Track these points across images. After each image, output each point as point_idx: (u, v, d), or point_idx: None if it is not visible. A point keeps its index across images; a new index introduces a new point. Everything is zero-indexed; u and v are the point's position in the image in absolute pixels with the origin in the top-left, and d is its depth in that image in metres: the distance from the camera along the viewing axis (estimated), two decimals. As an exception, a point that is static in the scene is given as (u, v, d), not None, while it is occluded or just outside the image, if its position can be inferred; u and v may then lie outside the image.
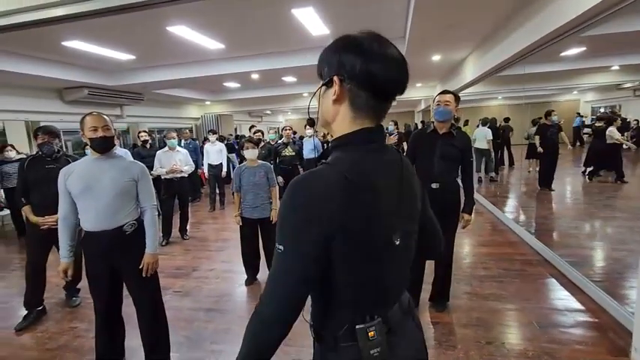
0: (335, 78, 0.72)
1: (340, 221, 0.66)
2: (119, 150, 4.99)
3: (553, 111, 6.46)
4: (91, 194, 1.83)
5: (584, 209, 5.76)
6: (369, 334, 0.73)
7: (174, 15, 3.93)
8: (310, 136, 5.88)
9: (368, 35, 0.73)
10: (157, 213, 2.08)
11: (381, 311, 0.76)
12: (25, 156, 4.09)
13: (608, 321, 2.43)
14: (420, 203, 0.87)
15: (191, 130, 11.23)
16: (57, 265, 3.00)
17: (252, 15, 4.15)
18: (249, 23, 4.45)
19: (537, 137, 6.18)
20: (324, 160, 0.73)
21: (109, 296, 1.98)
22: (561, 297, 2.83)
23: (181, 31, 4.47)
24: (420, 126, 13.89)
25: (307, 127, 5.86)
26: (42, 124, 6.56)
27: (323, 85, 0.77)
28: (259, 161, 3.30)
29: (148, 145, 6.07)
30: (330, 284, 0.73)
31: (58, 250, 2.90)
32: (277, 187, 3.39)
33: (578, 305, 2.68)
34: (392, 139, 7.36)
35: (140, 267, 1.96)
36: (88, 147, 5.59)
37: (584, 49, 6.35)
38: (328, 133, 0.90)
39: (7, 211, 5.51)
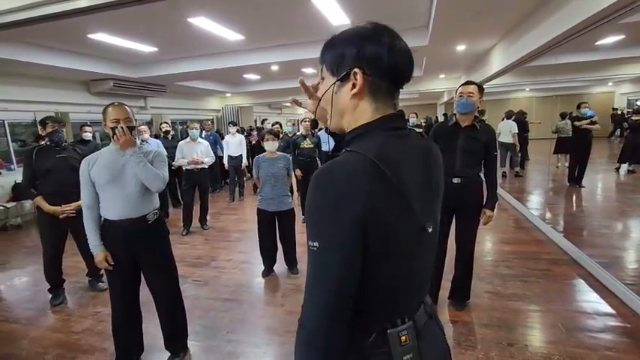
0: (357, 70, 0.69)
1: (372, 209, 0.61)
2: (151, 140, 5.12)
3: (584, 103, 6.12)
4: (116, 184, 1.86)
5: (617, 207, 5.45)
6: (402, 338, 0.69)
7: (195, 6, 3.94)
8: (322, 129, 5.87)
9: (377, 26, 0.71)
10: (164, 186, 2.00)
11: (410, 313, 0.72)
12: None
13: (642, 327, 2.30)
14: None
15: (212, 122, 11.39)
16: (76, 250, 3.16)
17: (272, 5, 4.10)
18: (269, 13, 4.41)
19: (575, 124, 5.84)
20: (346, 149, 0.68)
21: (129, 285, 2.02)
22: (590, 299, 2.70)
23: (202, 22, 4.48)
24: (441, 119, 13.54)
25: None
26: (70, 115, 6.90)
27: (338, 79, 0.72)
28: (279, 153, 3.29)
29: (169, 136, 6.19)
30: (364, 282, 0.65)
31: (73, 234, 3.05)
32: (293, 176, 3.40)
33: (608, 309, 2.54)
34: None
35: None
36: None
37: (622, 37, 5.94)
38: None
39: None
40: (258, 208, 3.26)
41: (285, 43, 6.01)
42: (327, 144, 5.64)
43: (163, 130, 6.19)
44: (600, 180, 6.99)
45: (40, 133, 3.41)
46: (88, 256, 3.20)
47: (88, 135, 4.79)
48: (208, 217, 5.11)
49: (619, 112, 7.67)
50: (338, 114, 0.75)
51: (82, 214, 3.03)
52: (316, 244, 0.63)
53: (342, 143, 0.76)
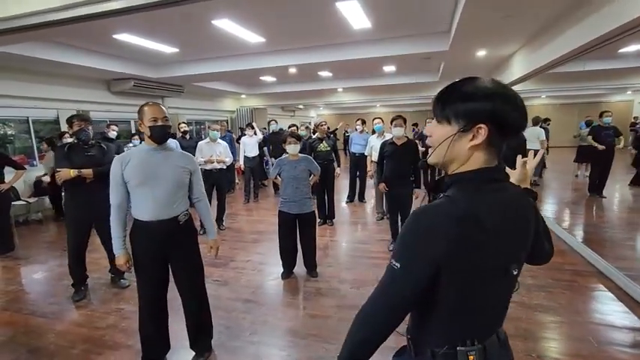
0: (482, 125, 0.74)
1: (453, 255, 0.71)
2: (170, 141, 5.19)
3: (607, 112, 5.99)
4: (150, 185, 1.86)
5: (640, 219, 5.32)
6: (469, 357, 0.77)
7: (221, 8, 3.98)
8: (361, 132, 5.96)
9: (504, 85, 0.77)
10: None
11: (481, 338, 0.80)
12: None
13: (677, 343, 2.22)
14: (533, 227, 0.87)
15: (227, 123, 11.48)
16: (100, 247, 3.21)
17: (296, 8, 4.13)
18: (292, 16, 4.44)
19: (590, 138, 5.76)
20: (444, 194, 0.78)
21: (159, 284, 2.03)
22: (619, 312, 2.62)
23: (225, 24, 4.53)
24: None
25: (358, 121, 6.07)
26: (91, 113, 7.04)
27: (461, 130, 0.76)
28: (300, 155, 3.30)
29: (187, 137, 6.26)
30: (438, 304, 0.76)
31: (98, 229, 3.11)
32: (318, 173, 3.45)
33: (638, 323, 2.47)
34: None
35: (209, 254, 2.10)
36: (135, 137, 5.81)
37: (646, 45, 5.83)
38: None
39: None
40: (279, 211, 3.26)
41: (304, 46, 6.04)
42: (359, 145, 5.73)
43: (182, 130, 6.26)
44: (620, 190, 6.83)
45: (66, 130, 3.48)
46: (110, 252, 3.25)
47: (113, 133, 4.89)
48: (225, 218, 5.14)
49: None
50: (451, 158, 0.80)
51: (103, 204, 3.12)
52: (398, 264, 0.75)
53: (440, 182, 0.85)
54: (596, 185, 5.96)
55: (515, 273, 0.79)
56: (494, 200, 0.76)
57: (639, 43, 5.80)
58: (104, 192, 3.12)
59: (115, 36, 4.87)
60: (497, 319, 0.85)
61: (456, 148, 0.78)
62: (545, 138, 6.48)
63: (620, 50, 6.62)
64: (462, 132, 0.76)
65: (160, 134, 1.89)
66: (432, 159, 0.84)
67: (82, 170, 2.91)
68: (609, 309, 2.69)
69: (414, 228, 0.74)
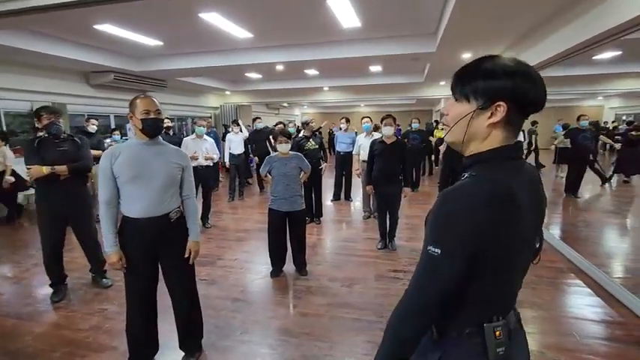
0: (501, 103, 0.74)
1: (491, 230, 0.70)
2: None
3: (584, 115, 6.25)
4: (142, 180, 1.79)
5: (615, 216, 5.58)
6: (496, 333, 0.77)
7: (210, 1, 3.89)
8: (345, 130, 5.93)
9: (525, 63, 0.76)
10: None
11: (504, 314, 0.81)
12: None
13: (653, 336, 2.34)
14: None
15: (211, 120, 11.27)
16: (78, 246, 3.08)
17: (288, 4, 4.08)
18: (283, 13, 4.39)
19: (568, 141, 6.00)
20: (470, 173, 0.77)
21: (149, 282, 1.96)
22: (597, 307, 2.74)
23: (213, 18, 4.43)
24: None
25: (342, 120, 5.97)
26: (68, 107, 6.75)
27: (480, 108, 0.77)
28: (291, 152, 3.27)
29: (170, 132, 6.10)
30: (465, 285, 0.75)
31: (74, 226, 2.98)
32: (309, 171, 3.41)
33: (617, 317, 2.58)
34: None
35: (186, 256, 1.97)
36: (116, 132, 5.61)
37: (619, 53, 6.11)
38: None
39: (32, 190, 5.59)
40: (269, 209, 3.22)
41: (292, 44, 6.00)
42: (344, 144, 5.73)
43: (165, 125, 6.09)
44: (596, 189, 7.14)
45: (36, 125, 3.28)
46: (90, 251, 3.12)
47: (93, 127, 4.70)
48: (210, 216, 5.04)
49: (611, 128, 7.91)
50: (469, 136, 0.80)
51: (83, 204, 2.99)
52: (437, 250, 0.72)
53: (459, 164, 0.85)
54: (572, 186, 6.20)
55: (537, 246, 0.82)
56: (519, 176, 0.77)
57: (613, 50, 6.07)
58: (80, 188, 3.02)
59: (96, 26, 4.67)
60: (516, 295, 0.86)
61: (474, 126, 0.78)
62: (526, 139, 6.71)
63: (594, 57, 6.91)
64: (481, 109, 0.76)
65: (153, 127, 1.82)
66: (449, 137, 0.84)
67: (55, 167, 2.74)
68: (588, 304, 2.80)
69: (450, 209, 0.72)
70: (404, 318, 0.78)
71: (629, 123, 7.91)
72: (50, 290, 2.96)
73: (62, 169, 2.77)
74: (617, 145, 6.29)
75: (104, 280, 3.14)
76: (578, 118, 6.21)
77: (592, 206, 6.30)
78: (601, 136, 6.11)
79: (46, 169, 2.71)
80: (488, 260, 0.72)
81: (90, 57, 5.82)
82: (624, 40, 3.21)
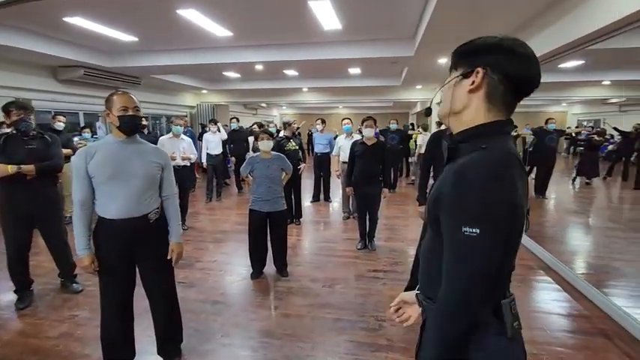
0: (479, 69, 0.78)
1: (520, 200, 0.70)
2: None
3: (552, 119, 6.60)
4: (119, 180, 1.72)
5: (579, 217, 5.92)
6: (511, 308, 0.78)
7: (189, -3, 3.81)
8: (321, 131, 5.92)
9: (513, 38, 0.79)
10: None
11: (508, 288, 0.82)
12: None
13: (614, 328, 2.49)
14: None
15: (187, 119, 10.99)
16: (46, 249, 2.92)
17: (269, 4, 4.05)
18: (264, 12, 4.35)
19: (534, 139, 6.32)
20: (482, 146, 0.75)
21: (125, 284, 1.88)
22: (564, 302, 2.89)
23: (191, 15, 4.33)
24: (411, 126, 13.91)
25: (318, 121, 5.93)
26: (33, 102, 6.38)
27: (461, 75, 0.81)
28: (273, 152, 3.25)
29: (145, 131, 5.91)
30: None
31: (40, 227, 2.84)
32: (291, 172, 3.39)
33: (583, 311, 2.73)
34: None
35: (169, 257, 1.93)
36: (86, 129, 5.36)
37: (583, 62, 6.47)
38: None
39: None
40: (250, 209, 3.18)
41: (272, 44, 5.95)
42: (322, 145, 5.72)
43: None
44: (561, 191, 7.54)
45: (4, 120, 3.08)
46: (59, 254, 2.97)
47: (60, 125, 4.47)
48: (187, 217, 4.92)
49: (573, 134, 8.41)
50: (452, 105, 0.84)
51: (51, 205, 2.83)
52: (475, 230, 0.68)
53: (456, 140, 0.84)
54: (541, 187, 6.51)
55: (528, 217, 0.82)
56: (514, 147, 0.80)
57: (579, 59, 6.43)
58: (49, 189, 2.86)
59: (66, 19, 4.46)
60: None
61: (457, 94, 0.82)
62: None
63: (560, 65, 7.31)
64: (463, 77, 0.81)
65: (130, 125, 1.76)
66: (440, 111, 0.89)
67: (22, 166, 2.58)
68: (556, 299, 2.96)
69: (480, 183, 0.69)
70: (450, 316, 0.73)
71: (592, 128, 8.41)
72: (15, 297, 2.79)
73: (29, 168, 2.62)
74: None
75: (74, 285, 3.00)
76: (547, 121, 6.54)
77: (558, 207, 6.64)
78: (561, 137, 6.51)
79: (11, 169, 2.55)
80: (514, 231, 0.71)
81: (59, 51, 5.53)
82: (588, 51, 3.42)
